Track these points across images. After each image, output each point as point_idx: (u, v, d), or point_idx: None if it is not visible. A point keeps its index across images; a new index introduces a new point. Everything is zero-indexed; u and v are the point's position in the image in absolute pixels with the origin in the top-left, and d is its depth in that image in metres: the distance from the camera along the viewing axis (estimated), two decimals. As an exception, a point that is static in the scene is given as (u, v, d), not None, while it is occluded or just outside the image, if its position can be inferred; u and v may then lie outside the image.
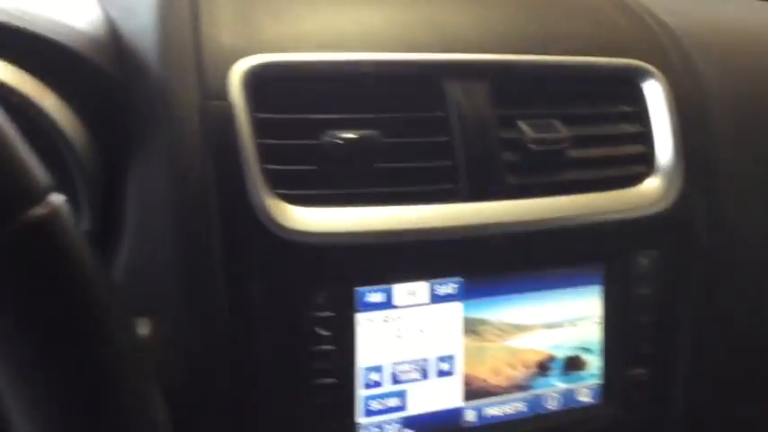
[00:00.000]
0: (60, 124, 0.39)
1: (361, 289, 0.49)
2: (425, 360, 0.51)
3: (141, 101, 0.45)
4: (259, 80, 0.47)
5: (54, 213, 0.24)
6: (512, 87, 0.54)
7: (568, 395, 0.56)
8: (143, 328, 0.37)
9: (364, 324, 0.49)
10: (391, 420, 0.51)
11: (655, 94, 0.59)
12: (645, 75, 0.59)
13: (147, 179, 0.45)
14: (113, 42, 0.46)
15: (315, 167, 0.48)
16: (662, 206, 0.57)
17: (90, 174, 0.41)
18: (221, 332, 0.45)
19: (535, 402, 0.55)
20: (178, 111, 0.44)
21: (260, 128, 0.47)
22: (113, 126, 0.44)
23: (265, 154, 0.46)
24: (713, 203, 0.59)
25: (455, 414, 0.53)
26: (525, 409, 0.55)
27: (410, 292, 0.50)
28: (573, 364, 0.56)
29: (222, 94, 0.45)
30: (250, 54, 0.47)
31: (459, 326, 0.52)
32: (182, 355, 0.40)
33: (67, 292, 0.25)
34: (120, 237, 0.44)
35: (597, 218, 0.55)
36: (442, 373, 0.52)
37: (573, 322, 0.56)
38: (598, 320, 0.56)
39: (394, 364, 0.50)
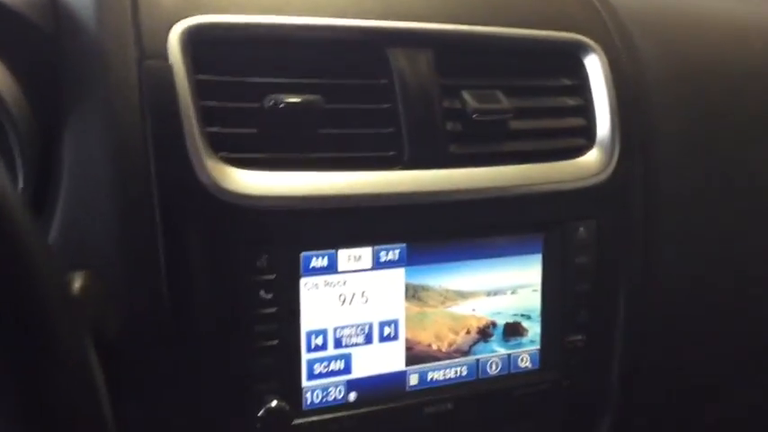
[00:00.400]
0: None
1: (305, 253, 0.49)
2: (368, 324, 0.52)
3: (77, 59, 0.44)
4: (199, 41, 0.46)
5: None
6: (455, 58, 0.55)
7: (508, 360, 0.58)
8: (76, 281, 0.36)
9: (308, 288, 0.49)
10: (336, 383, 0.51)
11: (595, 68, 0.60)
12: (586, 49, 0.60)
13: (83, 138, 0.44)
14: None
15: (257, 131, 0.48)
16: (600, 178, 0.59)
17: (23, 128, 0.40)
18: (158, 293, 0.44)
19: (476, 367, 0.56)
20: (115, 70, 0.44)
21: (201, 90, 0.46)
22: (48, 83, 0.43)
23: (206, 116, 0.46)
24: (650, 175, 0.61)
25: (398, 377, 0.54)
26: (466, 374, 0.56)
27: (354, 257, 0.51)
28: (513, 331, 0.57)
29: (161, 54, 0.45)
30: (190, 14, 0.46)
31: (401, 291, 0.53)
32: (117, 311, 0.40)
33: None
34: (56, 194, 0.43)
35: (537, 188, 0.56)
36: (385, 338, 0.53)
37: (513, 290, 0.57)
38: (538, 288, 0.58)
39: (338, 328, 0.51)
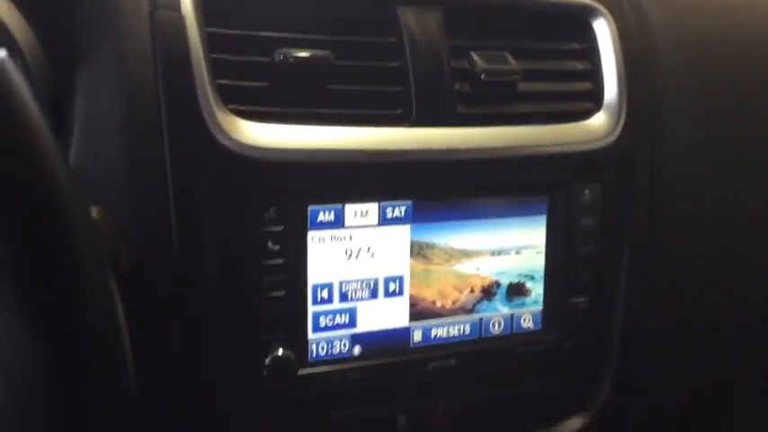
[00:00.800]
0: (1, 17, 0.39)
1: (312, 207, 0.50)
2: (374, 280, 0.53)
3: (90, 7, 0.45)
4: (211, -7, 0.47)
5: None
6: (465, 18, 0.55)
7: (511, 320, 0.58)
8: (92, 213, 0.37)
9: (315, 241, 0.50)
10: (341, 337, 0.53)
11: (603, 32, 0.60)
12: (595, 13, 0.60)
13: (95, 87, 0.45)
14: None
15: (266, 85, 0.48)
16: (606, 141, 0.59)
17: (37, 76, 0.41)
18: (168, 243, 0.45)
19: (479, 325, 0.57)
20: (127, 18, 0.44)
21: (212, 42, 0.47)
22: (62, 33, 0.44)
23: (217, 69, 0.47)
24: (656, 139, 0.62)
25: (402, 333, 0.55)
26: (469, 332, 0.57)
27: (360, 212, 0.52)
28: (516, 291, 0.58)
29: (173, 5, 0.45)
30: (202, -34, 0.47)
31: (406, 248, 0.53)
32: (127, 251, 0.41)
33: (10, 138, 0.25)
34: (68, 142, 0.44)
35: (543, 150, 0.57)
36: (390, 294, 0.54)
37: (518, 250, 0.58)
38: (542, 249, 0.58)
39: (343, 282, 0.52)
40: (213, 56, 0.47)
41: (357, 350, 0.53)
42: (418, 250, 0.54)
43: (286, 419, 0.52)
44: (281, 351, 0.49)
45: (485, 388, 0.58)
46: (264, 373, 0.49)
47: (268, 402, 0.51)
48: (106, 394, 0.29)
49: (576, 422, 0.61)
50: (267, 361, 0.49)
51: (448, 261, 0.55)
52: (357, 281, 0.52)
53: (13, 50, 0.41)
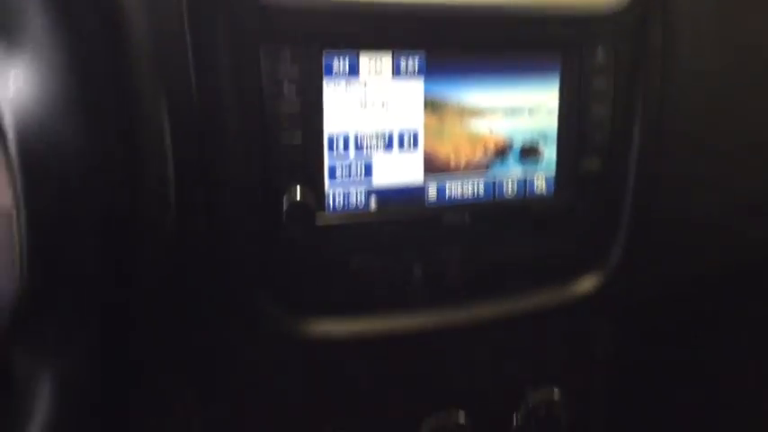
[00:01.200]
0: None
1: (327, 54, 0.50)
2: (389, 133, 0.53)
3: None
4: None
5: None
6: None
7: (524, 182, 0.59)
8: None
9: (330, 89, 0.51)
10: (357, 189, 0.53)
11: None
12: None
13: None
14: None
15: None
16: (620, 3, 0.58)
17: None
18: (187, 91, 0.46)
19: (493, 186, 0.58)
20: None
21: None
22: None
23: None
24: (669, 10, 0.61)
25: (417, 190, 0.56)
26: (483, 192, 0.58)
27: (374, 63, 0.52)
28: (530, 152, 0.59)
29: None
30: None
31: (420, 102, 0.54)
32: None
33: None
34: None
35: (556, 8, 0.56)
36: (404, 147, 0.54)
37: (531, 111, 0.58)
38: (555, 111, 0.59)
39: (358, 133, 0.52)
40: None
41: (373, 204, 0.54)
42: (431, 106, 0.54)
43: (304, 268, 0.53)
44: (298, 198, 0.50)
45: (498, 246, 0.59)
46: (284, 220, 0.50)
47: (287, 250, 0.52)
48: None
49: (587, 282, 0.62)
50: (285, 207, 0.50)
51: (461, 118, 0.56)
52: (372, 133, 0.53)
53: None
